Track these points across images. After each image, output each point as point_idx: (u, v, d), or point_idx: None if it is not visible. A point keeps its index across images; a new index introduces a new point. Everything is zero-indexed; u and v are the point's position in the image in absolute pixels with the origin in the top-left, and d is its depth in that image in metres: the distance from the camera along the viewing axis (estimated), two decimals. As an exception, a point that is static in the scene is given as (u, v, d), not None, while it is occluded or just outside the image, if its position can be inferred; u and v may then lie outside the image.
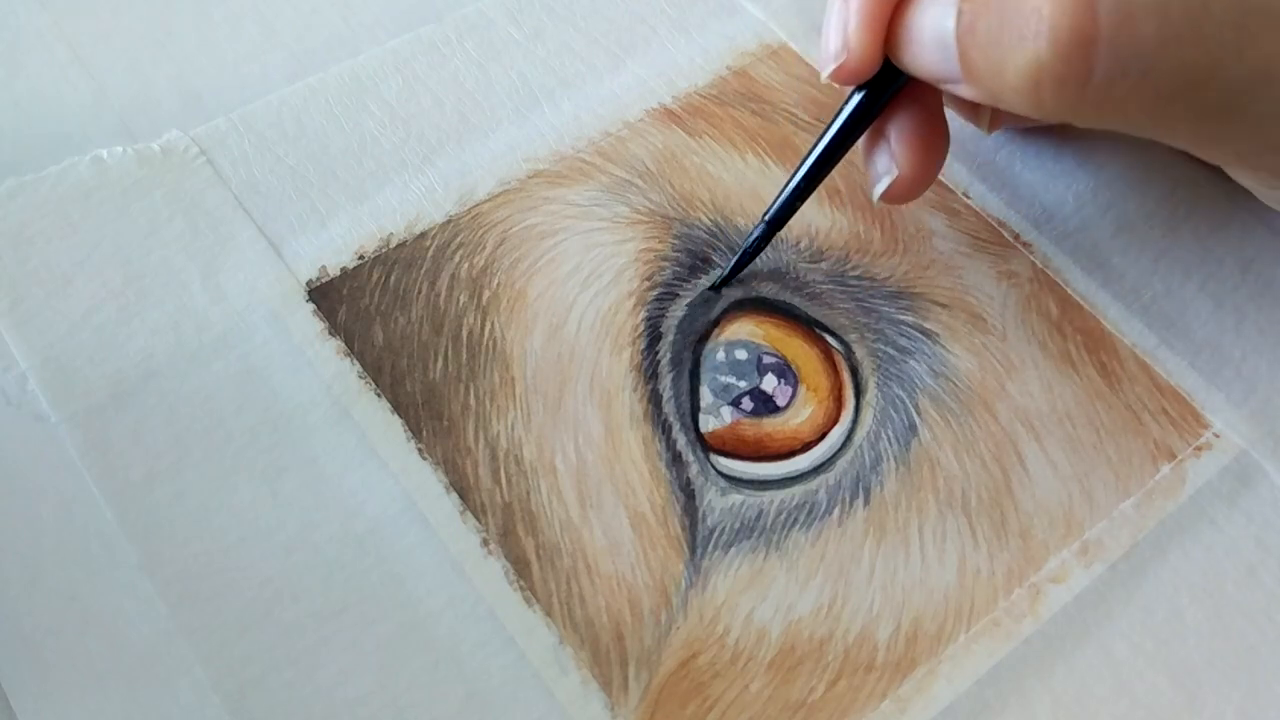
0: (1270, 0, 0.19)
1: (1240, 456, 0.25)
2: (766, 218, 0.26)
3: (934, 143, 0.24)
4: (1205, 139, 0.21)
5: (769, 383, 0.25)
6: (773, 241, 0.27)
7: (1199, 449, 0.25)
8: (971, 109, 0.26)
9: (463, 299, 0.25)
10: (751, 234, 0.26)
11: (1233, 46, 0.19)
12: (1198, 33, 0.19)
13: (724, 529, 0.23)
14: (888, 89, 0.24)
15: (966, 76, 0.21)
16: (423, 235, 0.26)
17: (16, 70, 0.28)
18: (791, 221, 0.27)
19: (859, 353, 0.26)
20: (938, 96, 0.24)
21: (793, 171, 0.25)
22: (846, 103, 0.24)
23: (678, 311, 0.26)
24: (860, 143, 0.25)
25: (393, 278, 0.26)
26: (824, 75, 0.23)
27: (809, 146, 0.25)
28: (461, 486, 0.23)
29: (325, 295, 0.25)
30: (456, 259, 0.26)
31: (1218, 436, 0.25)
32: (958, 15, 0.20)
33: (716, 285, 0.26)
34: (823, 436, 0.24)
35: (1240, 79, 0.19)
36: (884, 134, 0.24)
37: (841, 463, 0.24)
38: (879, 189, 0.25)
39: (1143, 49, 0.19)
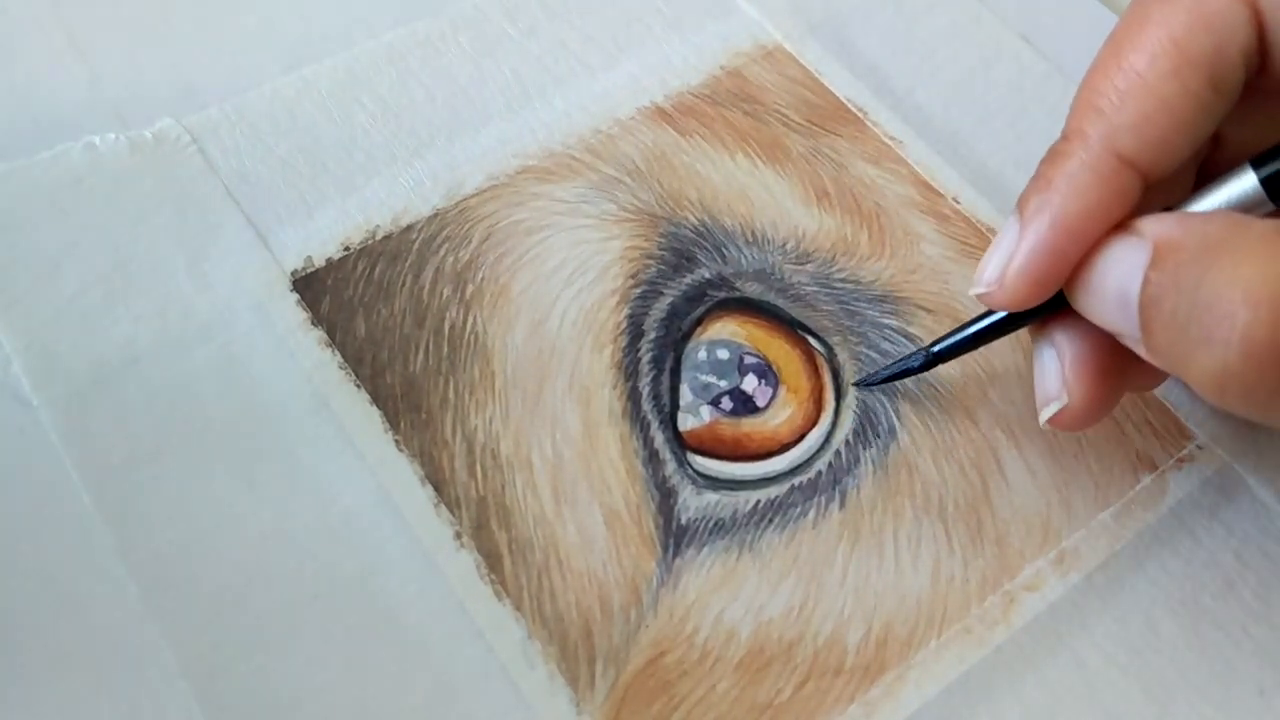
0: None
1: (1222, 469, 0.25)
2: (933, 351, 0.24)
3: (1116, 367, 0.21)
4: None
5: (749, 383, 0.25)
6: (759, 243, 0.27)
7: (1181, 460, 0.25)
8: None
9: (446, 292, 0.26)
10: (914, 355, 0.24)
11: None
12: None
13: (698, 528, 0.23)
14: (1044, 312, 0.22)
15: (1148, 346, 0.19)
16: (409, 228, 0.26)
17: (12, 56, 0.28)
18: (778, 222, 0.27)
19: (841, 355, 0.26)
20: None
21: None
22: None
23: (660, 310, 0.26)
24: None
25: (377, 270, 0.26)
26: (971, 291, 0.21)
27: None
28: (437, 479, 0.23)
29: (309, 286, 0.25)
30: (442, 252, 0.26)
31: (1200, 448, 0.25)
32: (1144, 282, 0.19)
33: (857, 383, 0.25)
34: (801, 438, 0.24)
35: None
36: (1052, 341, 0.22)
37: (819, 465, 0.24)
38: (1044, 415, 0.22)
39: None
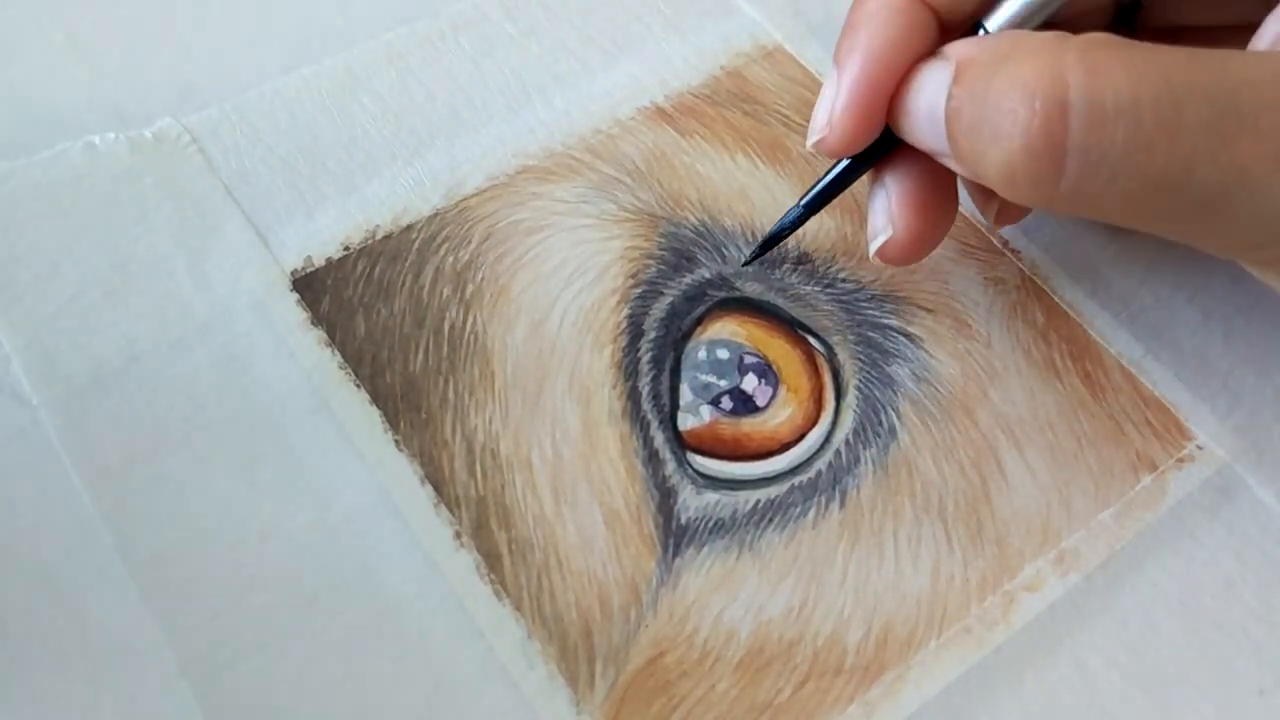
0: (1244, 102, 0.19)
1: (1223, 469, 0.25)
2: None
3: (936, 204, 0.24)
4: (1184, 236, 0.21)
5: (749, 383, 0.25)
6: (759, 242, 0.27)
7: (1181, 460, 0.25)
8: (982, 196, 0.25)
9: (446, 292, 0.25)
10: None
11: (1207, 151, 0.19)
12: (1171, 138, 0.19)
13: (697, 528, 0.23)
14: (879, 151, 0.23)
15: (955, 155, 0.21)
16: (409, 228, 0.26)
17: (13, 55, 0.28)
18: (779, 223, 0.27)
19: (841, 355, 0.26)
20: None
21: (778, 222, 0.25)
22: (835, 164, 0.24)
23: (660, 309, 0.26)
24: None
25: (377, 270, 0.26)
26: (808, 144, 0.23)
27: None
28: (437, 479, 0.23)
29: (309, 285, 0.25)
30: (442, 252, 0.26)
31: (1201, 449, 0.25)
32: (948, 98, 0.21)
33: (745, 263, 0.26)
34: (801, 438, 0.24)
35: (1216, 183, 0.19)
36: (882, 184, 0.24)
37: (819, 465, 0.24)
38: (873, 246, 0.24)
39: (1114, 154, 0.19)
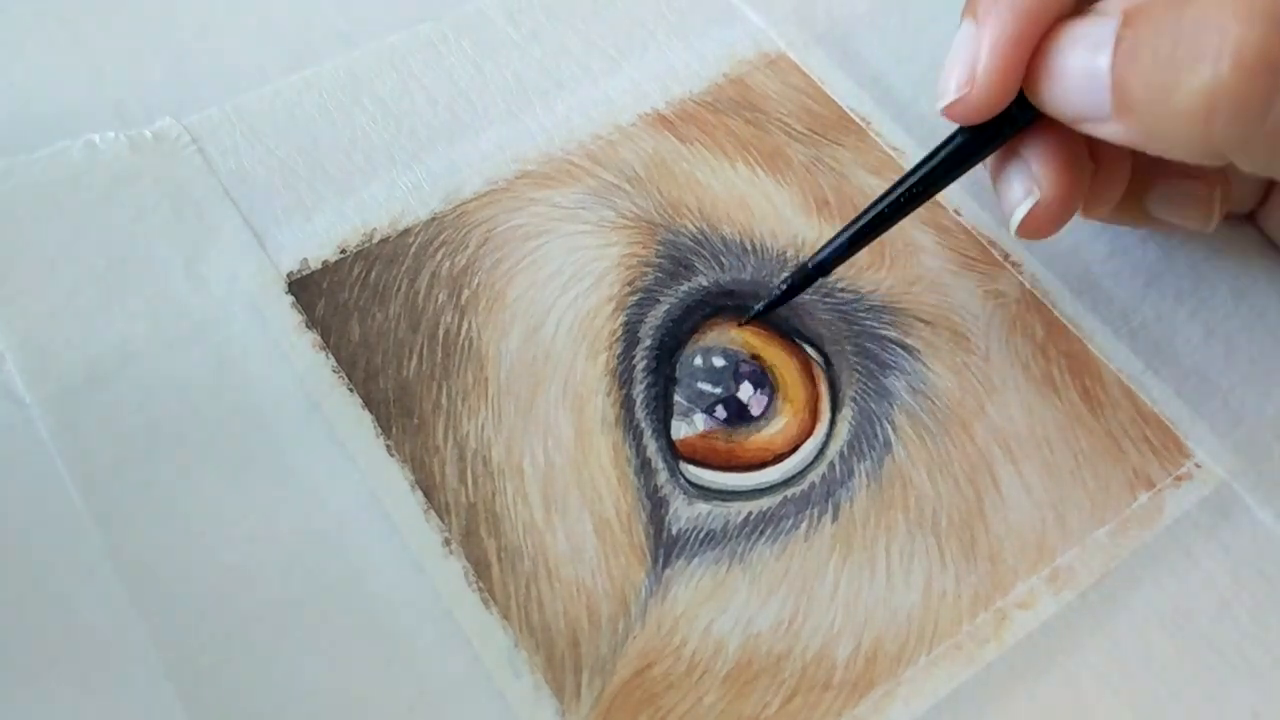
0: None
1: (1221, 488, 0.24)
2: (819, 258, 0.24)
3: (1081, 165, 0.22)
4: None
5: (745, 391, 0.25)
6: (757, 252, 0.27)
7: (1179, 478, 0.24)
8: (1015, 196, 0.23)
9: (441, 297, 0.25)
10: (792, 274, 0.25)
11: None
12: None
13: (688, 539, 0.23)
14: (1004, 129, 0.22)
15: (1118, 110, 0.19)
16: (406, 232, 0.26)
17: (14, 52, 0.28)
18: (778, 231, 0.27)
19: (838, 365, 0.25)
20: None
21: (868, 207, 0.24)
22: (950, 140, 0.23)
23: (657, 316, 0.26)
24: (988, 171, 0.24)
25: (373, 273, 0.26)
26: (939, 107, 0.22)
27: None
28: (427, 485, 0.23)
29: (305, 288, 0.25)
30: (438, 257, 0.26)
31: (1199, 467, 0.25)
32: (1115, 42, 0.19)
33: (746, 320, 0.25)
34: (795, 449, 0.24)
35: None
36: (1018, 154, 0.23)
37: (812, 476, 0.24)
38: (1018, 215, 0.22)
39: None
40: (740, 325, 0.25)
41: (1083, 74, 0.20)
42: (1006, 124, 0.22)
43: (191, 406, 0.24)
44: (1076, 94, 0.20)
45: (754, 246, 0.27)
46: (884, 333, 0.26)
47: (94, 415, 0.23)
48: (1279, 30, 0.17)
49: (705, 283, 0.26)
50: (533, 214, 0.27)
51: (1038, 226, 0.23)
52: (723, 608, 0.22)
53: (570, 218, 0.27)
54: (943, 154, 0.23)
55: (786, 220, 0.27)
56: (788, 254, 0.27)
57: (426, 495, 0.23)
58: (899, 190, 0.23)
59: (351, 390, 0.24)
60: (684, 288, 0.26)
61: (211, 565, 0.22)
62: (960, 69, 0.21)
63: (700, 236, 0.27)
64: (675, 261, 0.26)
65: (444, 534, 0.22)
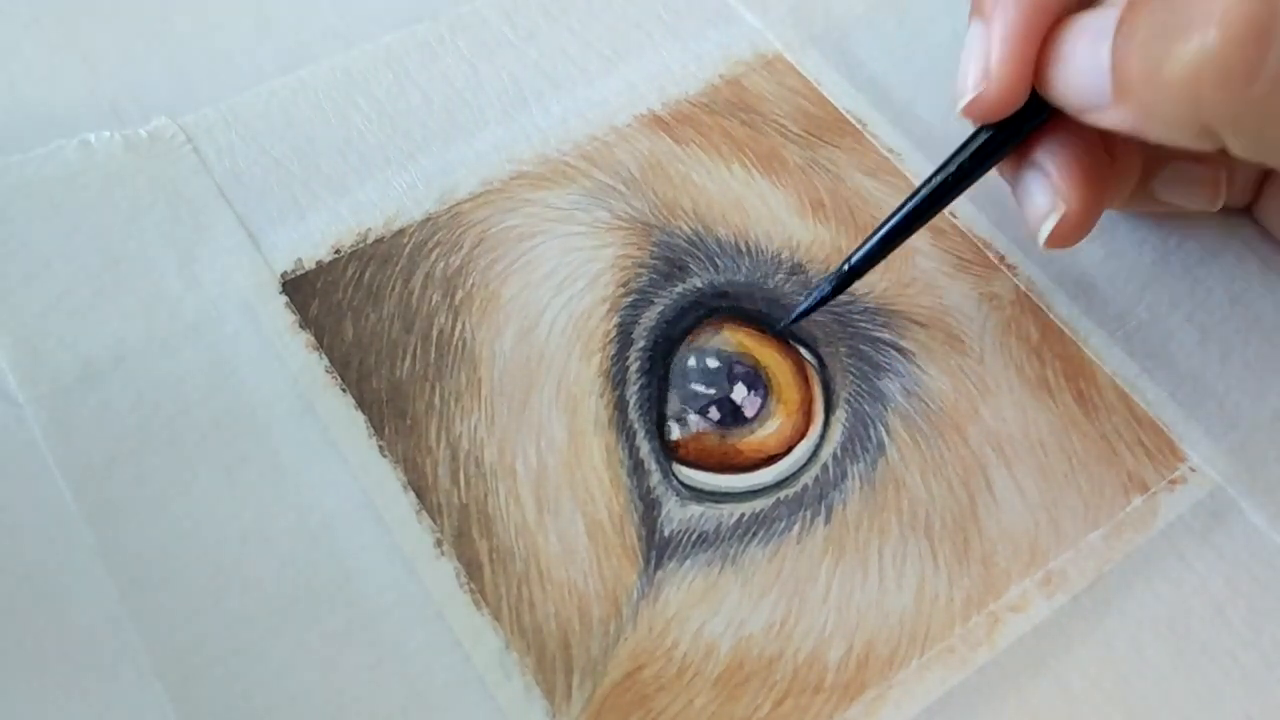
0: None
1: (1215, 492, 0.24)
2: (851, 261, 0.24)
3: (1101, 170, 0.23)
4: None
5: (739, 392, 0.25)
6: (752, 254, 0.27)
7: (1173, 482, 0.24)
8: (1046, 204, 0.23)
9: (435, 298, 0.25)
10: (826, 280, 0.24)
11: None
12: None
13: (680, 541, 0.23)
14: (1022, 127, 0.22)
15: (1118, 94, 0.20)
16: (400, 232, 0.26)
17: (10, 51, 0.28)
18: (773, 232, 0.27)
19: (832, 367, 0.25)
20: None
21: (890, 215, 0.24)
22: (971, 139, 0.23)
23: (651, 318, 0.26)
24: (1007, 181, 0.24)
25: (367, 274, 0.26)
26: (959, 108, 0.22)
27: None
28: (419, 486, 0.23)
29: (299, 288, 0.25)
30: (433, 257, 0.26)
31: (1193, 470, 0.24)
32: (1119, 25, 0.19)
33: (784, 326, 0.25)
34: (789, 450, 0.24)
35: None
36: (1036, 164, 0.23)
37: (805, 479, 0.24)
38: (1046, 229, 0.22)
39: None
40: (775, 332, 0.25)
41: (1087, 62, 0.20)
42: (1024, 120, 0.22)
43: (184, 406, 0.24)
44: (1080, 83, 0.20)
45: (749, 248, 0.27)
46: (878, 335, 0.26)
47: (87, 414, 0.23)
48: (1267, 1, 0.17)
49: (699, 284, 0.26)
50: (527, 215, 0.27)
51: (1065, 238, 0.23)
52: (715, 610, 0.22)
53: (565, 219, 0.27)
54: (966, 153, 0.23)
55: (782, 222, 0.27)
56: (782, 256, 0.27)
57: (419, 496, 0.23)
58: (924, 190, 0.23)
59: (344, 391, 0.24)
60: (678, 289, 0.26)
61: (203, 565, 0.22)
62: (974, 67, 0.21)
63: (695, 238, 0.27)
64: (670, 263, 0.26)
65: (436, 535, 0.22)
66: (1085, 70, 0.20)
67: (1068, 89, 0.21)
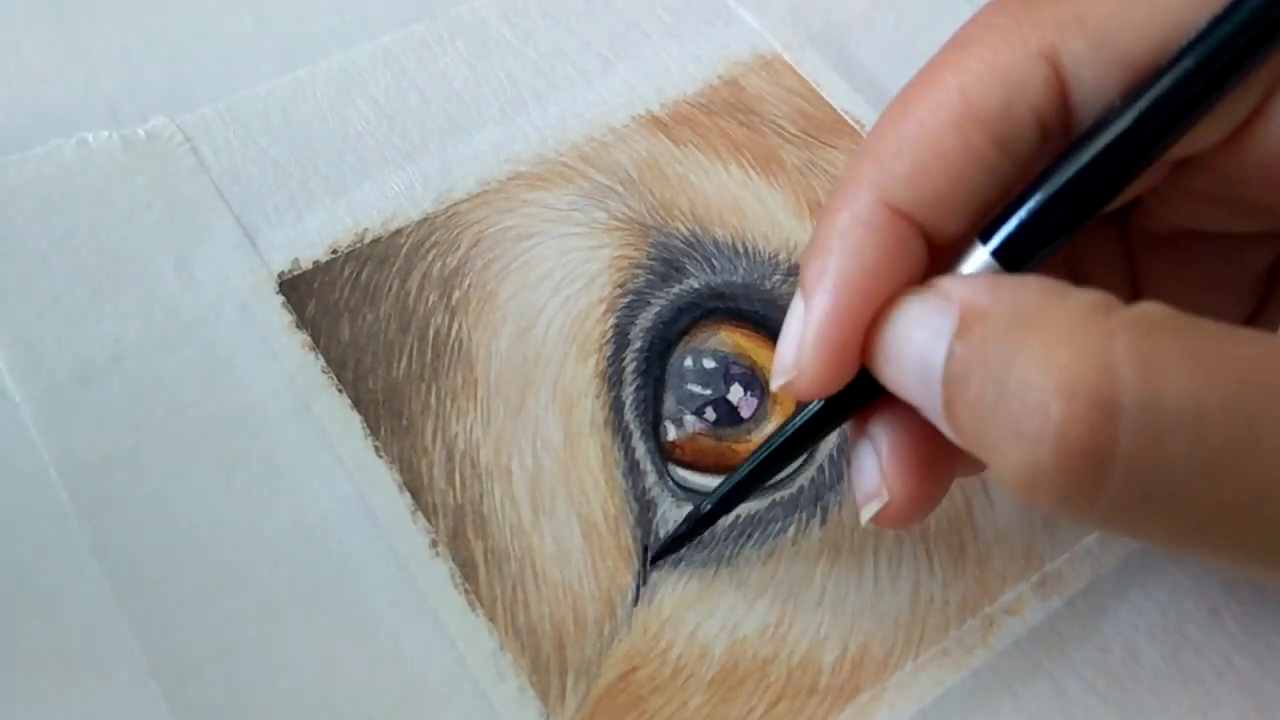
0: None
1: (1212, 495, 0.24)
2: (703, 510, 0.22)
3: (938, 457, 0.19)
4: (1250, 568, 0.18)
5: (735, 393, 0.25)
6: (749, 255, 0.27)
7: (1169, 485, 0.24)
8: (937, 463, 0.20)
9: (432, 298, 0.25)
10: (679, 528, 0.22)
11: None
12: (1241, 466, 0.15)
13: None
14: (860, 399, 0.19)
15: (951, 426, 0.17)
16: (398, 232, 0.26)
17: (8, 50, 0.28)
18: (770, 234, 0.27)
19: (828, 370, 0.25)
20: None
21: (737, 469, 0.21)
22: (804, 406, 0.20)
23: (647, 319, 0.26)
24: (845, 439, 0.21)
25: (364, 274, 0.26)
26: (773, 386, 0.19)
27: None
28: (415, 486, 0.23)
29: (296, 288, 0.25)
30: (430, 258, 0.26)
31: (1190, 474, 0.24)
32: (948, 354, 0.17)
33: (652, 560, 0.23)
34: (784, 453, 0.24)
35: None
36: (869, 435, 0.20)
37: (801, 480, 0.24)
38: (866, 513, 0.19)
39: (1172, 477, 0.15)
40: (650, 563, 0.23)
41: (917, 364, 0.17)
42: (854, 397, 0.19)
43: (181, 405, 0.24)
44: (911, 385, 0.18)
45: (746, 249, 0.27)
46: (875, 336, 0.26)
47: (84, 414, 0.23)
48: (1108, 418, 0.15)
49: (696, 285, 0.26)
50: (525, 215, 0.27)
51: (890, 524, 0.20)
52: (709, 611, 0.22)
53: (562, 219, 0.27)
54: (801, 419, 0.20)
55: (779, 223, 0.27)
56: (779, 256, 0.27)
57: (414, 496, 0.23)
58: (762, 453, 0.21)
59: (341, 391, 0.24)
60: (675, 290, 0.26)
61: (198, 564, 0.22)
62: (788, 349, 0.19)
63: (692, 239, 0.27)
64: (666, 264, 0.26)
65: (431, 535, 0.22)
66: (916, 373, 0.17)
67: (897, 385, 0.18)
